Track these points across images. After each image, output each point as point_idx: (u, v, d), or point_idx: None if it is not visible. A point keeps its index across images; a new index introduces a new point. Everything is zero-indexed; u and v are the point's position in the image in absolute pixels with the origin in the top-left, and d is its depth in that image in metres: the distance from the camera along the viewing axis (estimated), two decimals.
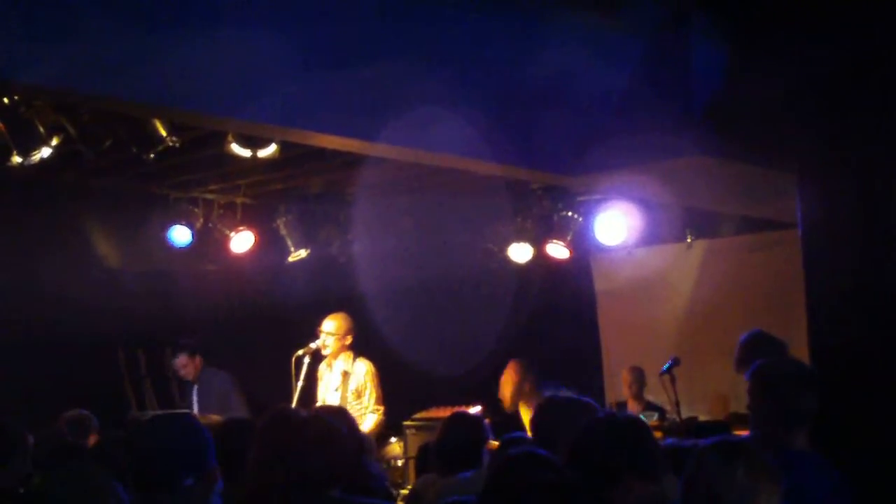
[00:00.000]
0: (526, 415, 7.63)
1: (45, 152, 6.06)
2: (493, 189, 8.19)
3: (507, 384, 7.78)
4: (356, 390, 7.94)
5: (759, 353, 6.00)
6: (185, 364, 8.96)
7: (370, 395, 7.95)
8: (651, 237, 9.27)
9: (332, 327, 7.97)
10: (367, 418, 7.84)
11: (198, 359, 9.00)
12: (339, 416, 4.49)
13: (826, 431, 5.11)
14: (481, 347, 9.53)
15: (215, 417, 7.94)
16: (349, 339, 8.04)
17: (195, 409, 8.75)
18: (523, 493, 3.07)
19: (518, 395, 7.73)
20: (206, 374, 8.95)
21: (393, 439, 8.43)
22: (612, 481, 3.23)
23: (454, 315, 10.42)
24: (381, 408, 7.97)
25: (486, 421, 5.50)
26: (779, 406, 4.18)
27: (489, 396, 7.98)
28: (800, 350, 6.97)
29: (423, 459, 6.17)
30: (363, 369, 7.98)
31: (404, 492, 6.86)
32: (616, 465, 3.25)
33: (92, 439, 6.60)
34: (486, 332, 9.82)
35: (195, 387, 8.99)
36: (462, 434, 5.14)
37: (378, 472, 5.11)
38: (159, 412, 7.70)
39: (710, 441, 3.11)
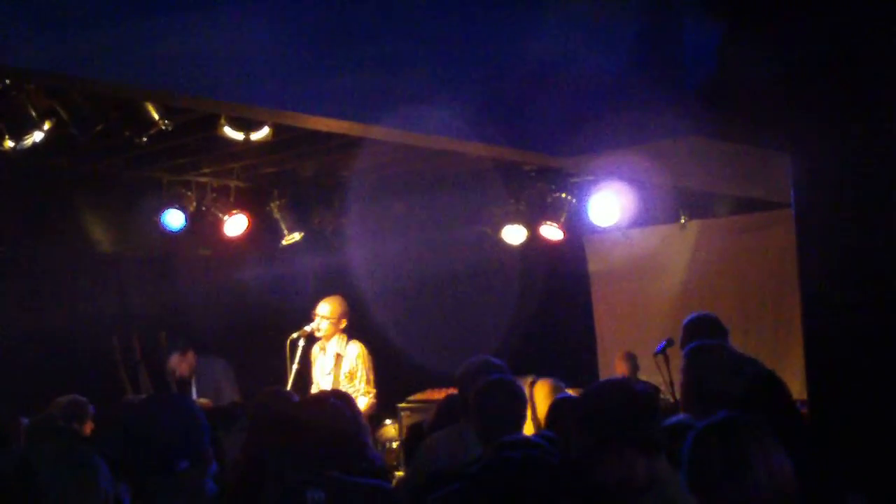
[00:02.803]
0: None
1: (38, 136, 6.04)
2: (486, 171, 8.20)
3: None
4: (349, 373, 7.95)
5: (698, 336, 6.07)
6: (178, 363, 8.92)
7: (361, 377, 7.95)
8: (644, 218, 9.29)
9: (326, 310, 7.98)
10: (359, 401, 7.84)
11: (190, 354, 8.96)
12: (337, 400, 4.51)
13: (818, 410, 5.15)
14: (475, 329, 9.55)
15: (203, 401, 7.96)
16: (343, 323, 8.04)
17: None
18: (509, 473, 3.09)
19: None
20: (201, 366, 8.96)
21: (388, 421, 8.45)
22: (609, 448, 3.22)
23: (448, 298, 10.45)
24: (373, 390, 7.97)
25: None
26: (701, 389, 4.27)
27: None
28: (793, 329, 7.00)
29: (412, 440, 6.21)
30: (355, 352, 7.99)
31: (399, 473, 6.89)
32: (619, 432, 3.23)
33: (88, 426, 6.61)
34: (480, 314, 9.84)
35: (193, 381, 9.01)
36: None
37: (376, 456, 5.16)
38: (154, 394, 7.70)
39: (711, 420, 3.11)
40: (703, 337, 5.84)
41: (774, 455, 2.85)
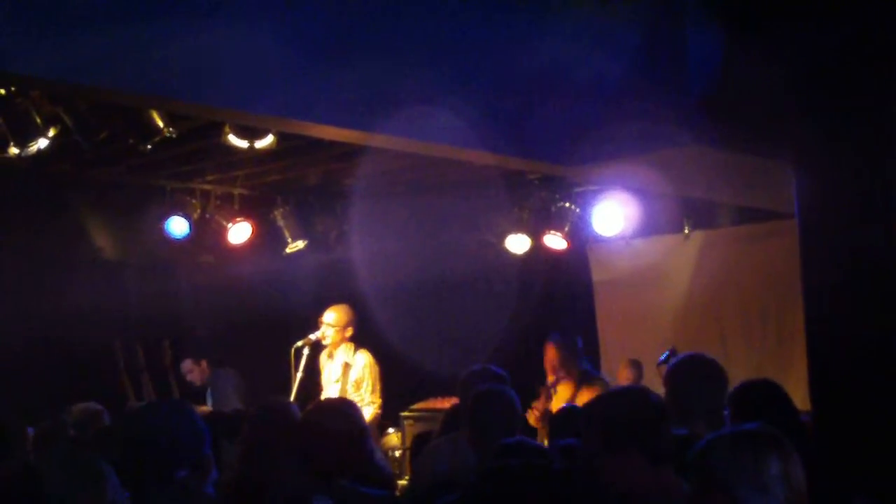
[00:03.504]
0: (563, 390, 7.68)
1: (42, 143, 6.05)
2: (490, 180, 8.19)
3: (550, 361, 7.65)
4: (356, 382, 7.96)
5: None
6: (190, 369, 9.03)
7: (367, 387, 7.96)
8: (648, 227, 9.27)
9: (332, 319, 7.98)
10: (364, 410, 7.84)
11: (203, 363, 9.04)
12: (345, 408, 4.51)
13: (822, 420, 5.14)
14: (478, 338, 9.53)
15: (204, 409, 7.97)
16: (349, 332, 8.04)
17: None
18: (507, 481, 3.07)
19: (559, 367, 7.60)
20: (214, 377, 9.02)
21: (391, 430, 8.45)
22: (618, 454, 3.19)
23: (451, 306, 10.43)
24: (379, 401, 7.98)
25: None
26: (679, 400, 4.28)
27: None
28: (797, 339, 6.99)
29: (419, 449, 6.22)
30: (363, 361, 7.99)
31: (402, 482, 6.88)
32: (630, 438, 3.20)
33: None
34: (484, 323, 9.83)
35: (208, 390, 9.05)
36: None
37: (383, 463, 5.17)
38: (154, 401, 7.71)
39: (726, 430, 3.08)
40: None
41: (792, 466, 2.82)
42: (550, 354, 7.55)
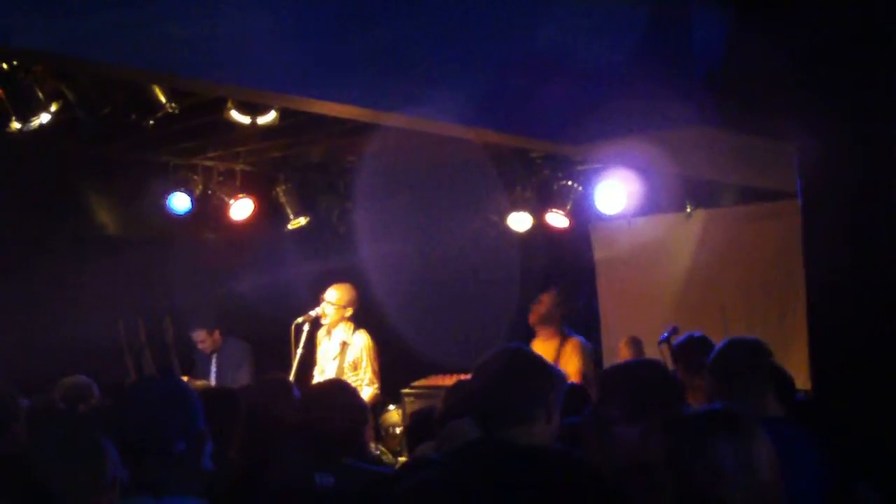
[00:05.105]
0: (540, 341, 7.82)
1: (44, 118, 6.05)
2: (492, 157, 8.19)
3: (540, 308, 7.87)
4: (353, 362, 7.97)
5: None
6: (202, 339, 9.04)
7: (366, 368, 7.98)
8: (650, 206, 9.28)
9: (334, 297, 7.99)
10: (363, 391, 7.87)
11: (216, 333, 9.07)
12: (347, 388, 4.52)
13: (823, 400, 5.15)
14: (480, 315, 9.55)
15: (200, 383, 7.99)
16: (349, 311, 8.05)
17: (212, 379, 8.83)
18: (477, 456, 3.05)
19: (545, 317, 7.77)
20: (225, 345, 9.04)
21: (391, 407, 8.47)
22: (638, 420, 3.16)
23: (453, 284, 10.43)
24: (377, 382, 8.00)
25: None
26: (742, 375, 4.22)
27: None
28: (798, 319, 7.00)
29: (416, 427, 6.21)
30: (361, 343, 8.00)
31: (402, 459, 6.90)
32: (652, 410, 3.17)
33: None
34: (485, 301, 9.84)
35: (214, 356, 9.07)
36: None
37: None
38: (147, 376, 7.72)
39: (691, 412, 3.06)
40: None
41: (753, 449, 2.77)
42: (544, 304, 7.72)
